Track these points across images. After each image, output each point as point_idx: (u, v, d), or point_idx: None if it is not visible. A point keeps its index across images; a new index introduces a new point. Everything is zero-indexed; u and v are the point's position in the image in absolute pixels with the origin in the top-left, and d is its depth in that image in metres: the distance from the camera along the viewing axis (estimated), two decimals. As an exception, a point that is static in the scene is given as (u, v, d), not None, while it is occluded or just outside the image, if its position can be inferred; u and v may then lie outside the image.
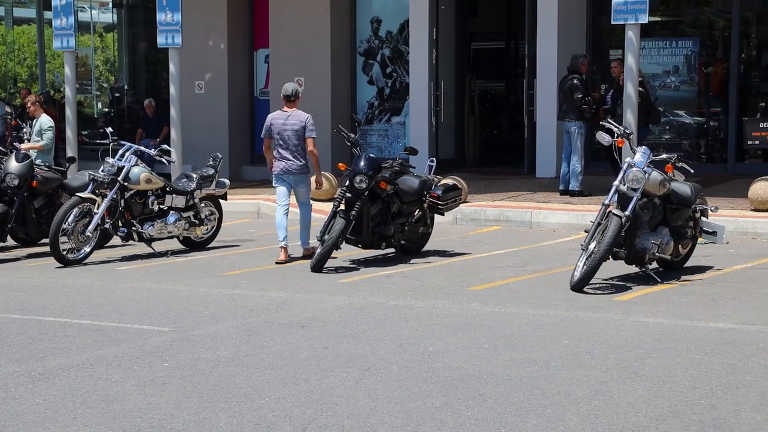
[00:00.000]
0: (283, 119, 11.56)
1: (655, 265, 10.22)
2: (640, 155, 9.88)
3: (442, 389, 6.42)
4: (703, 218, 10.52)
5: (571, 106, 15.18)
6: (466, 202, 14.50)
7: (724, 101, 17.25)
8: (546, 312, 8.62)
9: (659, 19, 17.83)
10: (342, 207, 11.10)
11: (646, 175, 9.68)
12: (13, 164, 12.40)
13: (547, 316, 8.48)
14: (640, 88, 14.45)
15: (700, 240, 10.73)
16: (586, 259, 9.48)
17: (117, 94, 23.49)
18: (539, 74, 17.39)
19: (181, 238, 12.65)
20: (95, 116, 23.90)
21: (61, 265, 11.48)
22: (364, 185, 10.97)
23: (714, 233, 10.54)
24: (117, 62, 24.07)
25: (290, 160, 11.55)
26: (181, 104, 16.65)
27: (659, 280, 9.82)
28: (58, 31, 17.58)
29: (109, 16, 24.94)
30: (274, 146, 11.58)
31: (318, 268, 10.76)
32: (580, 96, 15.05)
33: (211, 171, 12.84)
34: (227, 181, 13.30)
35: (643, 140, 14.52)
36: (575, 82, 15.11)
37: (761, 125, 15.89)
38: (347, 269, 10.98)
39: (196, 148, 18.41)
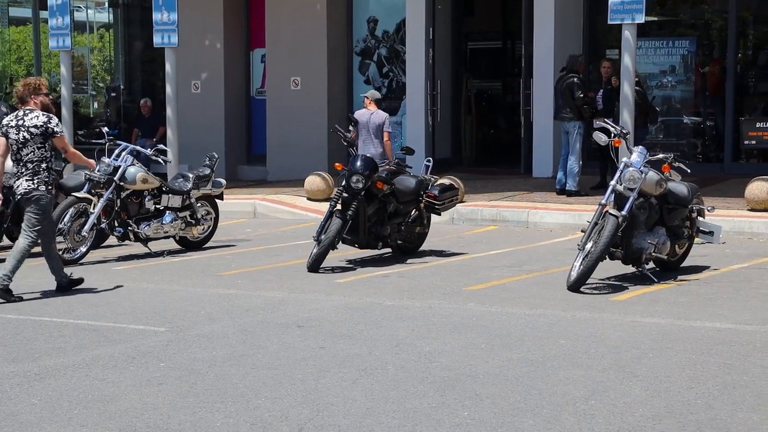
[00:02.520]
0: (367, 117, 13.76)
1: (651, 265, 10.22)
2: (637, 155, 9.88)
3: (438, 389, 6.41)
4: (700, 218, 10.53)
5: (570, 106, 15.14)
6: (463, 201, 14.50)
7: (720, 101, 17.25)
8: (543, 312, 8.61)
9: (656, 18, 17.84)
10: (338, 207, 11.09)
11: (643, 175, 9.67)
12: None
13: (543, 316, 8.48)
14: (637, 88, 14.45)
15: (696, 240, 10.72)
16: (583, 258, 9.48)
17: (113, 94, 23.46)
18: (536, 74, 17.39)
19: (177, 238, 12.63)
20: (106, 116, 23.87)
21: (57, 265, 11.45)
22: (360, 185, 10.97)
23: (711, 233, 10.54)
24: (113, 62, 24.04)
25: (370, 148, 13.46)
26: (178, 104, 16.65)
27: (656, 280, 9.82)
28: (54, 30, 17.57)
29: (105, 16, 24.92)
30: (358, 137, 13.68)
31: (314, 268, 10.75)
32: (581, 95, 15.03)
33: (208, 171, 12.83)
34: (223, 181, 13.30)
35: (643, 140, 14.53)
36: (575, 81, 15.06)
37: (758, 125, 15.90)
38: (344, 269, 10.97)
39: (193, 147, 18.39)
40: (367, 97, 14.00)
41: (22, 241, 9.63)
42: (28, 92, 9.67)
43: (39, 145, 9.54)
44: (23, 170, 9.57)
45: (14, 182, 9.85)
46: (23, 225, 9.72)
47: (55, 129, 9.58)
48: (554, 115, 15.71)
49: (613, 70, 15.62)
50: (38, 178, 9.55)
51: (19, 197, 9.72)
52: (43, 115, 9.60)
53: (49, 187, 9.65)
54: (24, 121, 9.55)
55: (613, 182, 9.77)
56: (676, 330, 7.91)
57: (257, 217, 15.86)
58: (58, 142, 9.69)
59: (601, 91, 15.51)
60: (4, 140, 9.57)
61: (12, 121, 9.62)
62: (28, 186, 9.53)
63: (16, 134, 9.54)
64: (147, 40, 19.02)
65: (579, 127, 15.17)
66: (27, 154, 9.55)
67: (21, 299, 9.46)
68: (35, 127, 9.51)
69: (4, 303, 9.33)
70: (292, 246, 12.66)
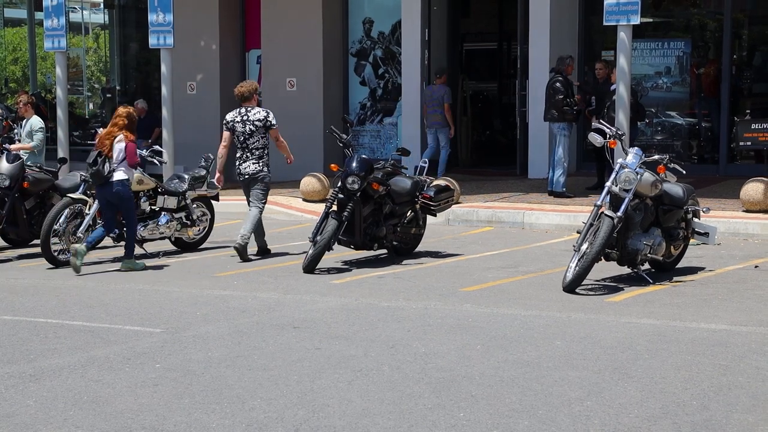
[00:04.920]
0: (431, 92, 17.57)
1: (647, 266, 10.23)
2: (632, 156, 9.88)
3: (434, 390, 6.41)
4: (695, 219, 10.53)
5: (554, 107, 15.26)
6: (459, 203, 14.50)
7: (715, 102, 17.27)
8: (538, 313, 8.61)
9: (651, 20, 17.86)
10: (334, 208, 11.09)
11: (638, 176, 9.68)
12: (4, 165, 12.37)
13: (539, 317, 8.48)
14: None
15: (692, 241, 10.73)
16: (579, 260, 9.48)
17: (108, 95, 23.44)
18: (531, 75, 17.41)
19: (172, 239, 12.62)
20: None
21: (52, 266, 11.46)
22: (356, 186, 10.97)
23: (706, 234, 10.55)
24: (109, 63, 24.03)
25: (435, 118, 17.44)
26: (173, 105, 16.63)
27: (651, 281, 9.83)
28: (50, 31, 17.55)
29: (100, 17, 24.91)
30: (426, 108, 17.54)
31: (310, 269, 10.75)
32: (561, 97, 15.14)
33: (203, 172, 12.82)
34: (219, 182, 13.28)
35: (634, 139, 14.56)
36: (557, 83, 15.21)
37: (753, 126, 15.91)
38: (339, 270, 10.97)
39: (188, 149, 18.38)
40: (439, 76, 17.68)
41: (255, 211, 11.82)
42: (252, 92, 11.83)
43: (262, 135, 11.77)
44: (249, 155, 11.76)
45: (239, 165, 11.80)
46: (252, 199, 11.87)
47: (273, 122, 11.78)
48: (543, 116, 15.78)
49: (606, 71, 15.70)
50: (263, 161, 11.83)
51: (246, 177, 11.78)
52: (263, 110, 11.83)
53: (269, 168, 11.91)
54: (249, 116, 11.75)
55: (608, 183, 9.77)
56: (672, 331, 7.91)
57: (253, 218, 15.82)
58: (273, 133, 11.83)
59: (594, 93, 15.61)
60: (229, 134, 11.80)
61: (237, 116, 11.78)
62: (256, 168, 11.78)
63: (243, 127, 11.72)
64: (142, 42, 19.02)
65: (563, 129, 15.27)
66: (253, 143, 11.76)
67: (250, 260, 11.62)
68: (258, 120, 11.72)
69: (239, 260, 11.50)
70: (287, 247, 12.65)
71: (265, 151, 11.84)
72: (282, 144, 11.99)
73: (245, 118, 11.75)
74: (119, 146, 11.08)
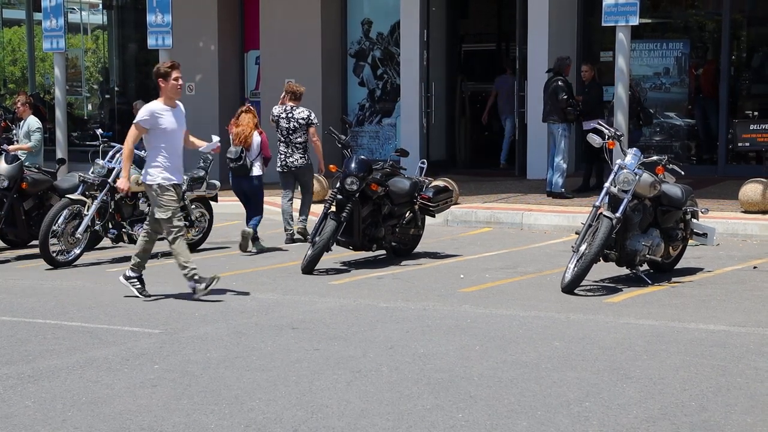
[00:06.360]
0: (501, 82, 19.30)
1: (645, 267, 10.23)
2: (631, 157, 9.89)
3: (432, 391, 6.41)
4: (694, 220, 10.53)
5: (555, 108, 15.25)
6: (457, 203, 14.49)
7: (714, 103, 17.27)
8: (537, 314, 8.62)
9: (650, 21, 17.86)
10: (333, 209, 11.09)
11: (637, 177, 9.68)
12: (2, 166, 12.36)
13: (538, 317, 8.48)
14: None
15: (690, 242, 10.74)
16: (577, 260, 9.48)
17: (107, 96, 23.43)
18: (530, 76, 17.41)
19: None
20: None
21: (51, 266, 11.45)
22: (355, 187, 10.97)
23: (705, 235, 10.55)
24: (107, 64, 24.02)
25: (507, 107, 18.87)
26: (172, 106, 16.59)
27: (650, 282, 9.83)
28: (48, 32, 17.55)
29: (99, 18, 24.90)
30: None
31: (309, 269, 10.74)
32: (565, 97, 15.12)
33: (202, 173, 12.81)
34: (218, 183, 13.27)
35: (637, 142, 14.57)
36: (559, 84, 15.21)
37: (751, 127, 15.92)
38: (338, 271, 10.97)
39: (187, 149, 18.32)
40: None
41: (309, 197, 13.16)
42: (303, 94, 13.01)
43: (303, 132, 12.85)
44: (294, 150, 12.88)
45: (285, 158, 12.89)
46: (303, 189, 13.04)
47: (314, 121, 12.95)
48: (542, 117, 15.78)
49: (592, 73, 15.73)
50: (307, 155, 12.96)
51: (294, 168, 12.90)
52: (306, 110, 12.97)
53: (310, 161, 13.05)
54: (293, 114, 12.87)
55: (607, 184, 9.78)
56: (670, 332, 7.92)
57: (251, 218, 15.82)
58: (311, 129, 12.88)
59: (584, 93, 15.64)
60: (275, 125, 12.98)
61: (282, 113, 12.92)
62: (303, 161, 12.94)
63: (287, 124, 12.85)
64: (141, 42, 18.99)
65: (564, 129, 15.28)
66: (296, 138, 12.85)
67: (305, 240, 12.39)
68: (302, 119, 12.85)
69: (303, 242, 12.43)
70: (286, 247, 12.65)
71: (307, 145, 12.94)
72: (316, 144, 12.97)
73: (290, 115, 12.87)
74: (257, 140, 12.55)
